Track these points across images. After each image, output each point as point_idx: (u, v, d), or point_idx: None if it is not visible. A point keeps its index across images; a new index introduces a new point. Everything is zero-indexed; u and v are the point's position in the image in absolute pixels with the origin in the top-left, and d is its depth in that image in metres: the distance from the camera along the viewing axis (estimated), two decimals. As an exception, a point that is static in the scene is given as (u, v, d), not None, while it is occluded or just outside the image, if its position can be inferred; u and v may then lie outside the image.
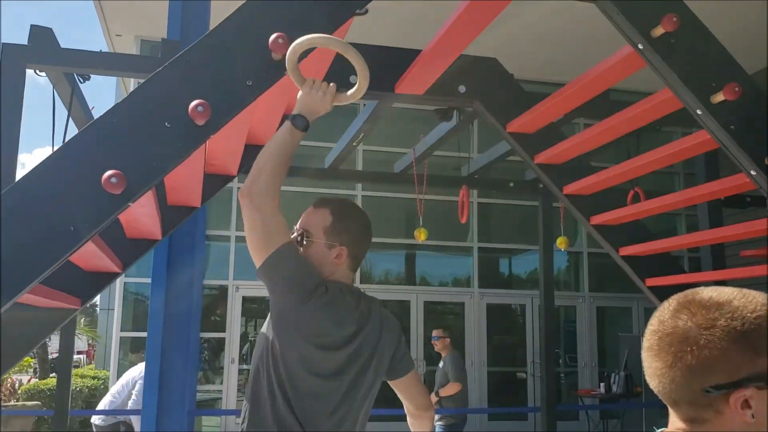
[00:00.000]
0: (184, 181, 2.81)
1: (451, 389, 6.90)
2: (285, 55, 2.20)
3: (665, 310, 1.19)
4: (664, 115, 3.31)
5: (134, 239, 3.15)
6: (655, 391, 1.19)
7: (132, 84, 11.62)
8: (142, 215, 2.65)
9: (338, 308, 1.97)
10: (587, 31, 9.12)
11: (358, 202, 11.74)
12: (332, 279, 2.04)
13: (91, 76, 3.86)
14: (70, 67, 3.43)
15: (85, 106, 4.38)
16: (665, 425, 1.21)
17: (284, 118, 1.97)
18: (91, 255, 2.51)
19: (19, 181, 2.05)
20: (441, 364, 7.26)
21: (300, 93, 2.10)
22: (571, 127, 9.91)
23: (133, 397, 6.54)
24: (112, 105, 2.18)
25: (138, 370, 6.75)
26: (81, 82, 3.96)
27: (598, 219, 3.69)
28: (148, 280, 10.19)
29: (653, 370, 1.17)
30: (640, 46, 2.49)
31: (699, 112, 2.51)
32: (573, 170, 3.77)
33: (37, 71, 3.44)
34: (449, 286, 12.51)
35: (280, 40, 2.17)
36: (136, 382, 6.60)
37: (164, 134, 2.10)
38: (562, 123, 4.38)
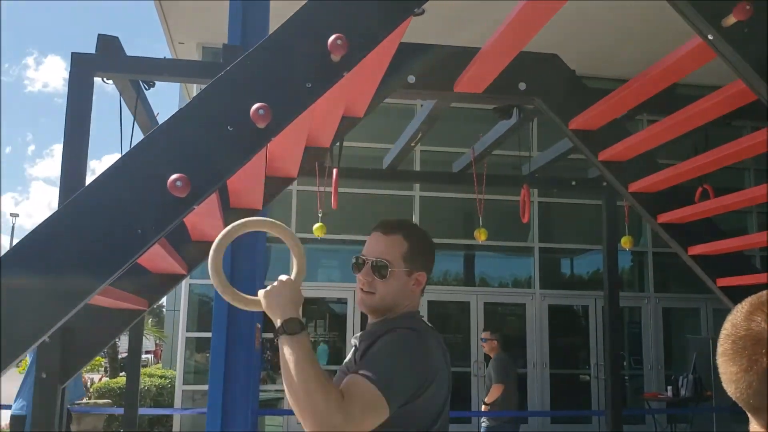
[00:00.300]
0: (246, 183, 2.85)
1: (492, 393, 6.80)
2: (343, 56, 2.20)
3: (738, 313, 1.15)
4: (734, 109, 3.19)
5: (199, 242, 3.21)
6: (733, 397, 1.14)
7: (195, 90, 11.91)
8: (206, 218, 2.70)
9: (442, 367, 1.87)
10: (650, 26, 8.89)
11: (416, 202, 11.73)
12: (408, 311, 1.97)
13: (155, 83, 3.96)
14: (136, 74, 3.52)
15: (150, 113, 4.49)
16: (740, 429, 1.16)
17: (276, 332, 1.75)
18: (157, 257, 2.56)
19: (87, 186, 2.12)
20: (488, 367, 7.19)
21: (264, 303, 1.86)
22: (634, 124, 9.67)
23: None
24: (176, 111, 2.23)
25: None
26: (146, 89, 4.06)
27: (665, 217, 3.58)
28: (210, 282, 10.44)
29: (729, 375, 1.13)
30: (710, 37, 2.40)
31: (774, 103, 2.40)
32: (638, 167, 3.67)
33: (105, 79, 3.55)
34: (509, 287, 12.36)
35: (339, 42, 2.17)
36: None
37: (227, 138, 2.13)
38: (625, 120, 4.27)
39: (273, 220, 2.04)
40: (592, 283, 12.65)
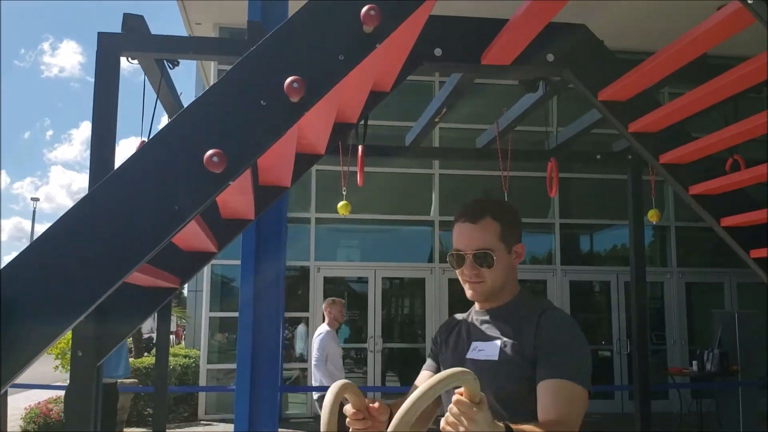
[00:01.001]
0: (277, 160, 2.83)
1: None
2: (376, 27, 2.17)
3: None
4: (765, 79, 3.13)
5: (229, 219, 3.21)
6: None
7: (212, 68, 11.89)
8: (238, 195, 2.70)
9: None
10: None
11: (435, 180, 11.69)
12: (520, 290, 2.06)
13: (179, 61, 3.95)
14: (162, 52, 3.51)
15: (174, 92, 4.49)
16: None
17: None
18: (191, 235, 2.56)
19: (123, 164, 2.11)
20: None
21: None
22: (661, 96, 9.54)
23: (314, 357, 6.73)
24: (196, 89, 2.23)
25: (316, 333, 6.87)
26: (170, 68, 4.05)
27: (697, 188, 3.53)
28: (233, 262, 10.51)
29: None
30: (750, 1, 2.34)
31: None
32: (669, 138, 3.61)
33: (129, 59, 3.54)
34: (530, 264, 12.32)
35: (372, 12, 2.14)
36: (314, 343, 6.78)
37: (261, 112, 2.11)
38: (653, 91, 4.21)
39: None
40: (613, 259, 12.59)
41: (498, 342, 1.91)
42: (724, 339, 8.71)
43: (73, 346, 2.84)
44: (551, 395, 1.71)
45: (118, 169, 2.09)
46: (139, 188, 2.06)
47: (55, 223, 2.10)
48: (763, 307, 11.33)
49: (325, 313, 7.02)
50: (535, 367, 1.79)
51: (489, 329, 1.98)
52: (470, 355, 1.96)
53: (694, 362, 8.63)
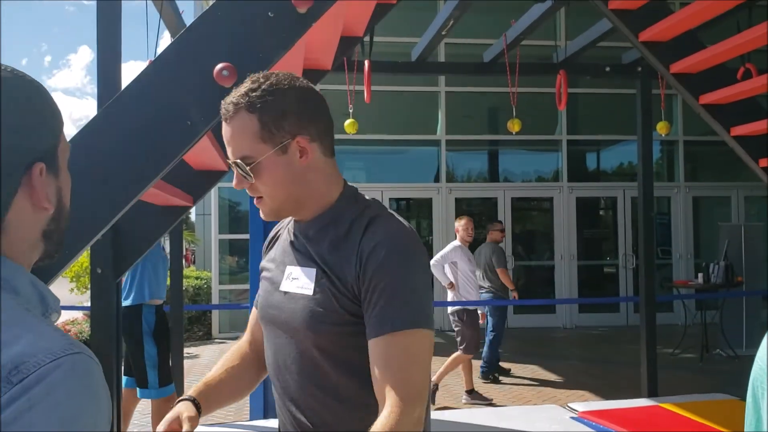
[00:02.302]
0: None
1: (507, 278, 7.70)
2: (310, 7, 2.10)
3: None
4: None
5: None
6: None
7: (211, -10, 11.64)
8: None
9: None
10: None
11: (441, 98, 11.57)
12: (345, 190, 1.48)
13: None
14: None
15: (176, 10, 4.42)
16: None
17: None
18: (203, 152, 2.58)
19: (133, 81, 2.11)
20: (489, 253, 7.94)
21: None
22: (672, 6, 9.32)
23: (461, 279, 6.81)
24: (195, 9, 2.19)
25: (446, 251, 6.94)
26: (172, -15, 3.98)
27: (708, 98, 3.51)
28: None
29: None
30: None
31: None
32: (680, 47, 3.56)
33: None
34: (537, 181, 12.33)
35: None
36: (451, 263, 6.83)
37: (269, 24, 2.10)
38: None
39: None
40: (620, 176, 12.58)
41: (314, 269, 1.41)
42: (730, 251, 8.79)
43: (92, 264, 2.91)
44: (383, 361, 1.30)
45: (127, 86, 2.10)
46: (151, 104, 2.07)
47: (69, 140, 2.12)
48: (769, 220, 11.41)
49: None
50: (361, 307, 1.35)
51: (305, 248, 1.46)
52: (284, 285, 1.46)
53: (700, 275, 8.73)
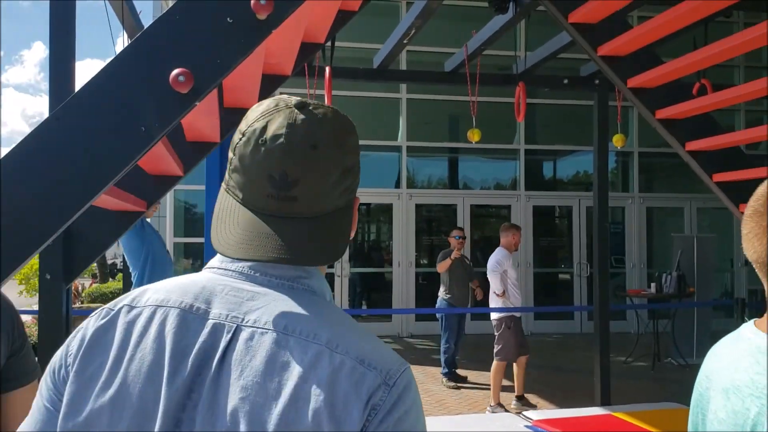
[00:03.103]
0: (243, 80, 2.77)
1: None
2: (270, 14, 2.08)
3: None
4: (737, 1, 3.13)
5: (194, 142, 3.16)
6: (752, 259, 1.15)
7: (171, -11, 11.46)
8: (204, 117, 2.64)
9: None
10: None
11: (403, 105, 11.59)
12: None
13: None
14: (120, -33, 3.35)
15: (134, 11, 4.33)
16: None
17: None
18: (157, 157, 2.52)
19: (86, 84, 2.04)
20: (467, 263, 8.15)
21: None
22: (629, 21, 9.50)
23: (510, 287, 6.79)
24: (154, 10, 2.14)
25: (501, 258, 6.86)
26: (130, -15, 3.90)
27: (664, 113, 3.57)
28: (196, 187, 10.41)
29: (751, 235, 1.15)
30: None
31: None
32: (638, 63, 3.62)
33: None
34: (495, 189, 12.44)
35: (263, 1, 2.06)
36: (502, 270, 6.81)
37: (228, 29, 2.05)
38: (623, 14, 4.18)
39: None
40: (575, 185, 12.78)
41: None
42: (683, 262, 8.98)
43: (41, 269, 2.82)
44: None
45: (81, 89, 2.03)
46: (105, 108, 2.00)
47: (17, 146, 2.05)
48: (721, 231, 11.69)
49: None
50: None
51: None
52: None
53: (653, 284, 8.91)
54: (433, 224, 12.57)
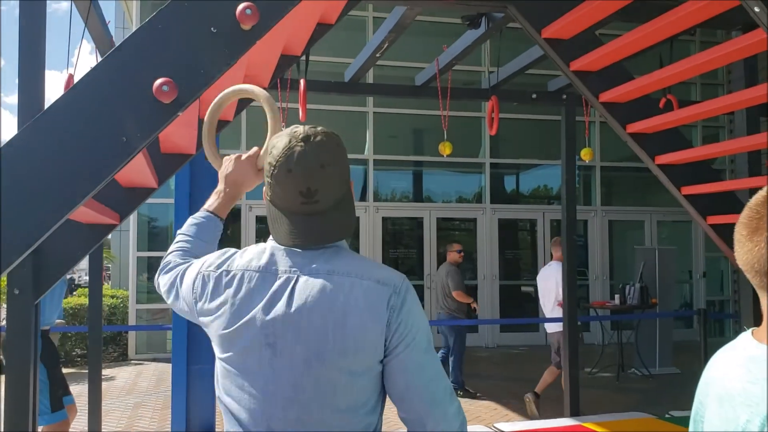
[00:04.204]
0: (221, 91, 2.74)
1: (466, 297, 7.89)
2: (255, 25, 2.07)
3: (763, 189, 1.17)
4: (705, 19, 3.21)
5: (170, 154, 3.11)
6: (745, 269, 1.16)
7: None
8: (183, 128, 2.60)
9: None
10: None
11: (369, 119, 11.61)
12: None
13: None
14: (92, -24, 3.29)
15: (102, 20, 4.25)
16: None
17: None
18: (134, 169, 2.47)
19: (66, 94, 2.00)
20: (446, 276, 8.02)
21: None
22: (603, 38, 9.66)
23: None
24: (115, 17, 2.10)
25: (548, 273, 6.96)
26: (99, -6, 3.83)
27: (634, 127, 3.63)
28: (159, 201, 10.25)
29: (742, 244, 1.15)
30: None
31: (756, 9, 2.41)
32: (609, 77, 3.68)
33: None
34: (461, 202, 12.51)
35: (248, 11, 2.05)
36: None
37: (211, 39, 2.03)
38: (595, 29, 4.26)
39: (259, 89, 1.88)
40: (539, 198, 12.93)
41: None
42: (645, 274, 9.14)
43: (9, 284, 2.73)
44: None
45: (59, 98, 1.98)
46: (84, 119, 1.96)
47: (-9, 155, 1.98)
48: (679, 243, 11.93)
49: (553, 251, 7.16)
50: None
51: None
52: None
53: (616, 296, 9.03)
54: (399, 237, 12.58)
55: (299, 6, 2.21)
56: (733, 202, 3.56)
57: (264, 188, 1.56)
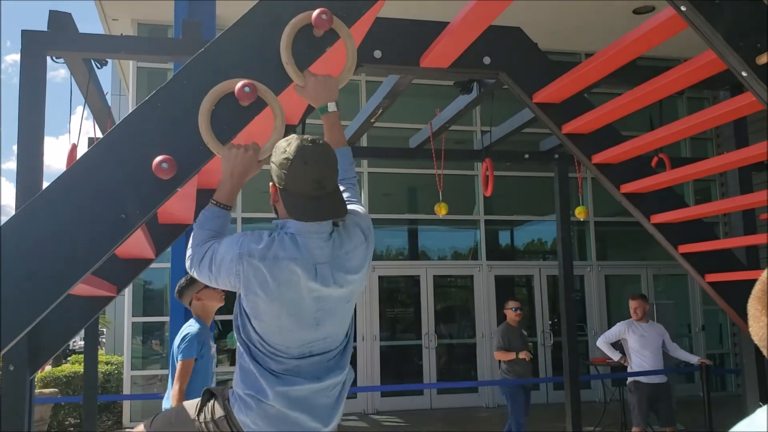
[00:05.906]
0: (219, 163, 2.76)
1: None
2: (326, 31, 2.16)
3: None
4: (694, 83, 3.28)
5: (167, 225, 3.12)
6: (760, 343, 1.15)
7: (131, 67, 11.51)
8: (181, 200, 2.62)
9: None
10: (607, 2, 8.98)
11: (364, 179, 11.70)
12: None
13: (108, 61, 3.80)
14: (91, 52, 3.36)
15: (101, 91, 4.32)
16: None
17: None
18: (132, 242, 2.47)
19: (67, 171, 2.02)
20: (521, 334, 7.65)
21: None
22: (591, 97, 9.82)
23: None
24: (112, 87, 2.14)
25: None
26: (98, 68, 3.89)
27: (628, 187, 3.66)
28: (154, 266, 10.19)
29: (755, 320, 1.14)
30: (683, 8, 2.44)
31: (744, 74, 2.47)
32: (601, 139, 3.73)
33: (54, 58, 3.37)
34: (456, 259, 12.50)
35: (324, 16, 2.13)
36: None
37: (211, 116, 2.06)
38: (586, 93, 4.34)
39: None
40: (535, 254, 12.93)
41: None
42: (644, 329, 9.05)
43: (4, 361, 2.71)
44: None
45: (61, 176, 2.00)
46: (85, 196, 1.97)
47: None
48: (676, 297, 11.88)
49: None
50: None
51: None
52: None
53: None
54: (396, 295, 12.52)
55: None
56: (731, 260, 3.57)
57: (274, 178, 1.99)
